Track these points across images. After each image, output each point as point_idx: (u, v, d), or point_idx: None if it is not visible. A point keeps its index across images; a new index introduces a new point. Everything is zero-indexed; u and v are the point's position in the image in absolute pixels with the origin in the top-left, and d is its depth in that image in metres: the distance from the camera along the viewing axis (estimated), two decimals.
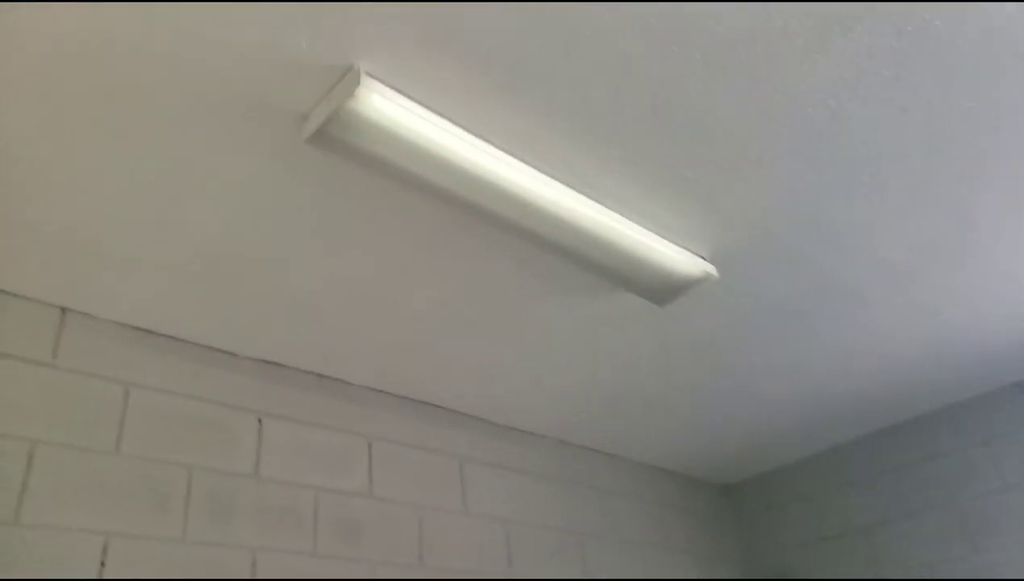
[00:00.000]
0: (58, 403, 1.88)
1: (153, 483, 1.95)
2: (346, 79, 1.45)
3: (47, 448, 1.82)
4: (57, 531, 1.76)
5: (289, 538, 2.15)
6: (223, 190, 1.73)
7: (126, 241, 1.83)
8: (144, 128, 1.55)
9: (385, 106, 1.46)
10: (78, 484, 1.83)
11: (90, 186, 1.67)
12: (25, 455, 1.79)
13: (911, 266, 2.27)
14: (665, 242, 2.03)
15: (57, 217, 1.73)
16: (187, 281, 1.99)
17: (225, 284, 2.02)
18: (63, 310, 1.98)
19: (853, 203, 1.99)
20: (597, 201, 1.88)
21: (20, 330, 1.89)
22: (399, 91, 1.50)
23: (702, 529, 3.57)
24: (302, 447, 2.31)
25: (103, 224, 1.77)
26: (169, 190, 1.71)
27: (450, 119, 1.58)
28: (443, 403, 2.75)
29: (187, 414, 2.10)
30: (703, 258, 2.12)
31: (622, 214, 1.93)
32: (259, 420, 2.24)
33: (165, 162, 1.64)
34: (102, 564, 1.81)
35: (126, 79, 1.45)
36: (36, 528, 1.74)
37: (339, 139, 1.49)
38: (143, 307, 2.05)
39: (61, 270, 1.89)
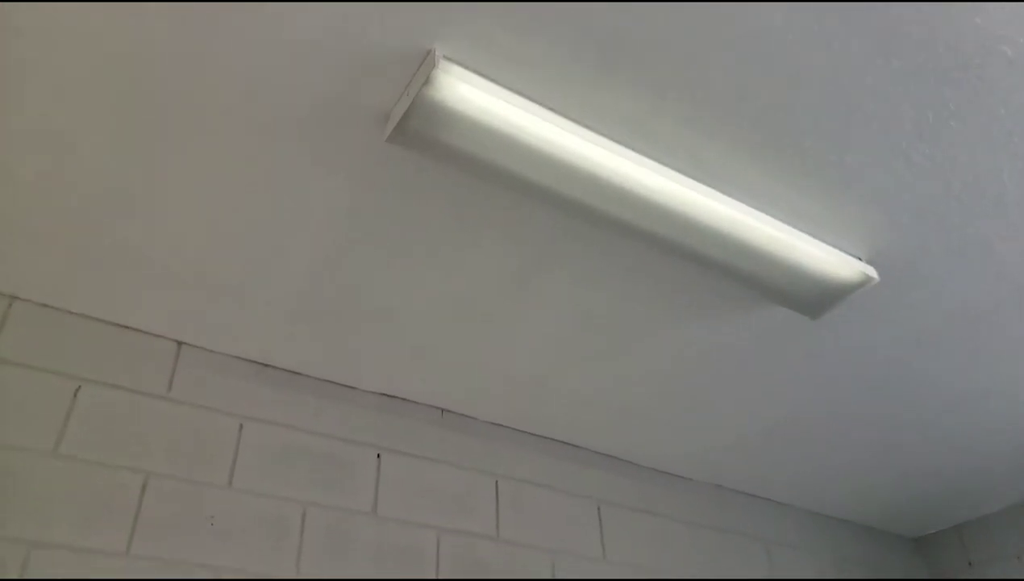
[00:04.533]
0: (172, 435, 1.86)
1: (266, 518, 1.88)
2: (423, 66, 1.33)
3: (160, 480, 1.79)
4: (166, 564, 1.71)
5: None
6: (318, 212, 1.65)
7: (233, 272, 1.80)
8: (231, 148, 1.50)
9: (467, 92, 1.33)
10: (189, 517, 1.78)
11: (186, 213, 1.65)
12: (139, 486, 1.76)
13: None
14: (812, 240, 1.75)
15: (160, 246, 1.72)
16: (299, 314, 1.93)
17: (337, 315, 1.94)
18: (179, 344, 1.98)
19: None
20: (727, 193, 1.65)
21: (136, 363, 1.90)
22: (483, 75, 1.36)
23: None
24: (423, 484, 2.17)
25: (208, 254, 1.75)
26: (266, 215, 1.66)
27: (543, 104, 1.42)
28: (576, 441, 2.54)
29: (302, 448, 2.02)
30: (859, 259, 1.82)
31: (757, 208, 1.69)
32: (378, 455, 2.13)
33: (258, 184, 1.59)
34: None
35: (205, 94, 1.40)
36: (145, 560, 1.70)
37: (420, 133, 1.37)
38: (258, 341, 2.02)
39: (176, 304, 1.88)
